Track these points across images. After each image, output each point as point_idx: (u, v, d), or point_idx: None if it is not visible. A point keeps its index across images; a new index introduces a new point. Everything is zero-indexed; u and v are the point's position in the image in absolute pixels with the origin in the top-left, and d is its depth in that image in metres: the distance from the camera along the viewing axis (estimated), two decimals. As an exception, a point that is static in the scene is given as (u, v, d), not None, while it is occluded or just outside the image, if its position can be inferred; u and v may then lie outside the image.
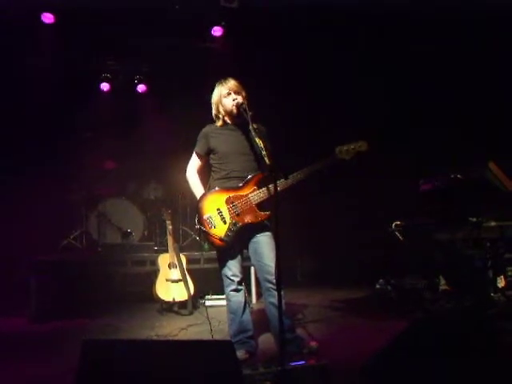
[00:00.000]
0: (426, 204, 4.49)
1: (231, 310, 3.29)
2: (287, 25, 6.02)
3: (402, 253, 4.81)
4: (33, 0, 5.54)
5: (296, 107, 6.47)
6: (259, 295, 5.21)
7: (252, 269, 5.24)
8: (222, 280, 3.33)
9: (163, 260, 5.07)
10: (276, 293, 2.57)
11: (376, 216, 5.50)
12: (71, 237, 6.25)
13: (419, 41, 5.73)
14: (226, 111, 3.28)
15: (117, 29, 6.01)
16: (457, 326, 2.44)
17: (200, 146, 3.36)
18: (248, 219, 3.13)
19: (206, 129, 3.37)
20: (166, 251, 5.14)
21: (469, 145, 5.37)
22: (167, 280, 4.96)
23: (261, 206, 3.14)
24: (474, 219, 3.99)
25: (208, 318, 3.74)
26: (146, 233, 6.53)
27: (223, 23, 6.39)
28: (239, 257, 3.29)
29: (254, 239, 3.20)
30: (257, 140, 3.01)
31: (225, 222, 3.13)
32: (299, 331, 3.62)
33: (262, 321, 3.57)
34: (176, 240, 5.50)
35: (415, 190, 4.55)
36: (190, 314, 4.85)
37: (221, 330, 4.00)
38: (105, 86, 6.99)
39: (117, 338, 3.81)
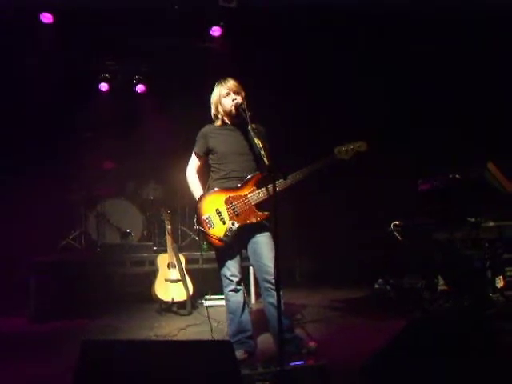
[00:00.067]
0: (425, 204, 4.49)
1: (230, 310, 3.29)
2: (287, 25, 6.01)
3: (401, 253, 4.81)
4: (32, 0, 5.53)
5: (296, 107, 6.46)
6: (258, 295, 5.21)
7: (251, 269, 5.24)
8: (220, 280, 3.33)
9: (162, 260, 5.07)
10: (275, 293, 2.58)
11: (375, 216, 5.50)
12: (70, 237, 6.25)
13: (419, 41, 5.73)
14: (225, 111, 3.29)
15: (116, 29, 6.01)
16: (455, 325, 2.44)
17: (199, 146, 3.36)
18: (247, 219, 3.12)
19: (205, 129, 3.37)
20: (165, 251, 5.14)
21: (469, 145, 5.36)
22: (166, 280, 4.96)
23: (260, 206, 3.14)
24: (473, 219, 4.00)
25: (209, 318, 3.75)
26: (145, 233, 6.53)
27: (222, 23, 6.39)
28: (238, 257, 3.29)
29: (253, 239, 3.20)
30: (256, 140, 3.02)
31: (224, 223, 3.13)
32: (298, 331, 3.63)
33: (260, 321, 3.57)
34: (175, 240, 5.50)
35: (415, 190, 4.56)
36: (189, 314, 4.85)
37: (220, 330, 4.01)
38: (104, 87, 6.98)
39: (116, 339, 3.82)
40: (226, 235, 3.11)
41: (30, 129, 6.23)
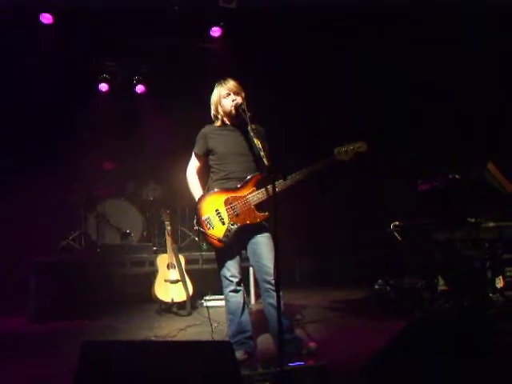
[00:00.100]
0: (424, 204, 4.49)
1: (230, 311, 3.29)
2: (287, 25, 6.01)
3: (401, 253, 4.81)
4: (32, 0, 5.53)
5: (296, 107, 6.46)
6: (258, 296, 5.20)
7: (251, 269, 5.24)
8: (220, 281, 3.33)
9: (162, 261, 5.07)
10: (275, 293, 2.58)
11: (375, 216, 5.50)
12: (70, 238, 6.24)
13: (419, 41, 5.73)
14: (224, 112, 3.28)
15: (116, 29, 6.00)
16: (455, 326, 2.44)
17: (199, 146, 3.36)
18: (247, 220, 3.12)
19: (205, 129, 3.37)
20: (165, 252, 5.14)
21: (469, 145, 5.36)
22: (166, 281, 4.96)
23: (259, 206, 3.14)
24: (473, 220, 4.00)
25: (209, 318, 3.76)
26: (144, 233, 6.53)
27: (222, 24, 6.38)
28: (238, 257, 3.29)
29: (253, 240, 3.20)
30: (255, 141, 3.01)
31: (223, 223, 3.13)
32: (298, 332, 3.63)
33: (260, 321, 3.57)
34: (175, 241, 5.49)
35: (415, 190, 4.55)
36: (189, 314, 4.85)
37: (220, 330, 4.00)
38: (103, 87, 6.98)
39: (115, 339, 3.81)
40: (225, 236, 3.11)
41: (29, 129, 6.23)
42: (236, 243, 3.19)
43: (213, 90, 3.36)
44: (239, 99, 3.22)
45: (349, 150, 3.13)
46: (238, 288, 3.29)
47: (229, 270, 3.25)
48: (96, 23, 5.79)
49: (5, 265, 5.52)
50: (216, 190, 3.20)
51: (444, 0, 5.34)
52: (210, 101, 3.37)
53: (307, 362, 2.67)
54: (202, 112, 3.53)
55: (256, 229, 3.17)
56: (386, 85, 6.20)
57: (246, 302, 3.34)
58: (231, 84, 3.26)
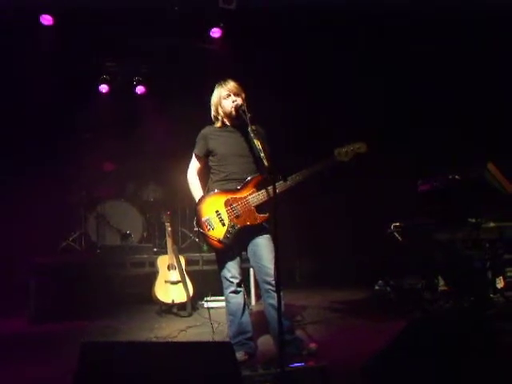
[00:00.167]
0: (425, 205, 4.49)
1: (230, 312, 3.29)
2: (287, 25, 6.01)
3: (401, 253, 4.80)
4: (32, 1, 5.53)
5: (296, 107, 6.46)
6: (258, 297, 5.20)
7: (251, 270, 5.24)
8: (221, 282, 3.33)
9: (162, 262, 5.06)
10: (275, 294, 2.58)
11: (375, 216, 5.49)
12: (70, 239, 6.24)
13: (419, 41, 5.72)
14: (224, 113, 3.28)
15: (116, 29, 6.00)
16: (456, 326, 2.44)
17: (199, 147, 3.36)
18: (247, 221, 3.12)
19: (205, 130, 3.36)
20: (165, 253, 5.13)
21: (469, 145, 5.36)
22: (166, 282, 4.96)
23: (260, 208, 3.14)
24: (473, 220, 3.99)
25: (210, 319, 3.75)
26: (145, 234, 6.53)
27: (222, 25, 6.38)
28: (238, 258, 3.29)
29: (253, 241, 3.20)
30: (255, 142, 3.01)
31: (223, 225, 3.12)
32: (298, 333, 3.62)
33: (261, 322, 3.57)
34: (175, 242, 5.49)
35: (415, 190, 4.55)
36: (189, 315, 4.85)
37: (220, 331, 4.00)
38: (103, 88, 6.97)
39: (116, 340, 3.81)
40: (225, 237, 3.11)
41: (30, 129, 6.23)
42: (236, 244, 3.19)
43: (213, 91, 3.35)
44: (239, 100, 3.21)
45: (349, 151, 3.13)
46: (239, 289, 3.29)
47: (229, 271, 3.25)
48: (96, 23, 5.79)
49: (5, 265, 5.52)
50: (216, 191, 3.20)
51: (444, 0, 5.34)
52: (210, 102, 3.37)
53: (308, 362, 2.67)
54: (202, 113, 3.53)
55: (256, 230, 3.17)
56: (385, 85, 6.20)
57: (246, 303, 3.34)
58: (231, 85, 3.26)
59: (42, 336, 4.30)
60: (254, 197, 3.13)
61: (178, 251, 5.21)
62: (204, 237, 3.16)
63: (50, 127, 6.35)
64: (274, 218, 2.56)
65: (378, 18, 5.71)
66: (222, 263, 3.27)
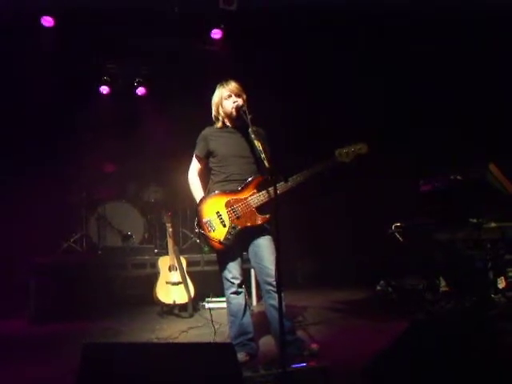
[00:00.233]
0: (426, 204, 4.48)
1: (231, 313, 3.28)
2: (287, 25, 6.01)
3: (403, 254, 4.80)
4: (33, 2, 5.52)
5: (296, 107, 6.46)
6: (259, 297, 5.20)
7: (252, 271, 5.24)
8: (222, 282, 3.33)
9: (163, 263, 5.06)
10: (276, 295, 2.57)
11: (376, 217, 5.49)
12: (71, 240, 6.24)
13: (419, 41, 5.72)
14: (225, 113, 3.28)
15: (117, 29, 6.00)
16: (457, 326, 2.44)
17: (199, 148, 3.35)
18: (248, 222, 3.12)
19: (206, 131, 3.36)
20: (167, 254, 5.13)
21: (469, 145, 5.36)
22: (167, 283, 4.95)
23: (260, 209, 3.13)
24: (475, 220, 3.99)
25: (211, 320, 3.75)
26: (146, 235, 6.52)
27: (222, 26, 6.38)
28: (239, 259, 3.28)
29: (254, 242, 3.20)
30: (256, 143, 3.00)
31: (224, 226, 3.12)
32: (300, 333, 3.62)
33: (262, 323, 3.57)
34: (176, 242, 5.49)
35: (415, 190, 4.55)
36: (191, 316, 4.85)
37: (221, 332, 4.00)
38: (104, 89, 6.98)
39: (117, 341, 3.81)
40: (226, 238, 3.10)
41: (30, 129, 6.23)
42: (237, 245, 3.18)
43: (214, 92, 3.35)
44: (240, 101, 3.21)
45: (350, 152, 3.13)
46: (240, 290, 3.29)
47: (230, 272, 3.24)
48: (96, 23, 5.79)
49: (5, 265, 5.52)
50: (217, 192, 3.20)
51: (444, 0, 5.34)
52: (211, 101, 3.37)
53: (309, 363, 2.67)
54: (202, 113, 3.53)
55: (257, 231, 3.17)
56: (386, 85, 6.20)
57: (247, 304, 3.34)
58: (233, 86, 3.25)
59: (42, 336, 4.30)
60: (254, 198, 3.13)
61: (179, 252, 5.21)
62: (205, 238, 3.15)
63: (50, 127, 6.35)
64: (275, 219, 2.55)
65: (378, 18, 5.71)
66: (222, 264, 3.27)
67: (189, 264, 5.17)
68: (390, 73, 6.11)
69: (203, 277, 5.25)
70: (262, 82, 5.38)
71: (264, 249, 3.16)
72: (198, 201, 3.26)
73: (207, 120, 3.40)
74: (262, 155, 2.91)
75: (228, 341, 3.35)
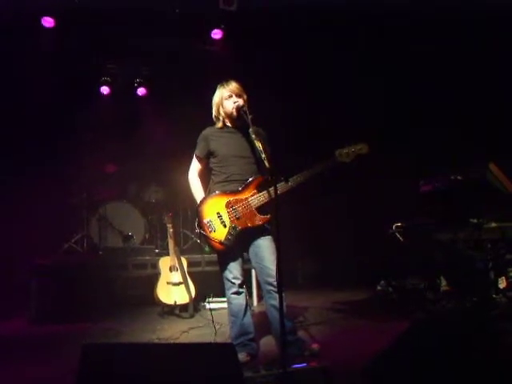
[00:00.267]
0: (426, 204, 4.48)
1: (232, 313, 3.28)
2: (287, 25, 6.01)
3: (403, 254, 4.80)
4: (33, 2, 5.52)
5: (296, 107, 6.46)
6: (260, 298, 5.21)
7: (253, 271, 5.24)
8: (222, 283, 3.33)
9: (164, 263, 5.06)
10: (277, 295, 2.57)
11: (376, 217, 5.49)
12: (72, 240, 6.23)
13: (419, 41, 5.72)
14: (226, 113, 3.28)
15: (117, 29, 6.00)
16: (458, 326, 2.43)
17: (200, 148, 3.35)
18: (248, 223, 3.12)
19: (206, 131, 3.36)
20: (167, 254, 5.13)
21: (469, 145, 5.36)
22: (168, 283, 4.95)
23: (261, 209, 3.13)
24: (475, 220, 3.99)
25: (212, 320, 3.75)
26: (147, 236, 6.52)
27: (222, 26, 6.38)
28: (240, 259, 3.28)
29: (255, 242, 3.20)
30: (256, 143, 3.00)
31: (225, 226, 3.12)
32: (300, 333, 3.61)
33: (263, 323, 3.57)
34: (177, 243, 5.50)
35: (415, 190, 4.55)
36: (192, 316, 4.85)
37: (222, 332, 4.00)
38: (105, 90, 6.98)
39: (118, 342, 3.81)
40: (227, 239, 3.10)
41: (30, 129, 6.22)
42: (238, 245, 3.18)
43: (214, 92, 3.35)
44: (241, 101, 3.21)
45: (350, 152, 3.13)
46: (240, 290, 3.29)
47: (231, 272, 3.24)
48: (96, 23, 5.79)
49: (5, 265, 5.51)
50: (217, 192, 3.20)
51: (444, 0, 5.34)
52: (211, 101, 3.37)
53: (310, 363, 2.67)
54: (203, 113, 3.53)
55: (258, 231, 3.17)
56: (386, 85, 6.19)
57: (248, 304, 3.34)
58: (233, 86, 3.25)
59: (43, 336, 4.30)
60: (255, 198, 3.13)
61: (180, 252, 5.21)
62: (205, 238, 3.16)
63: (50, 127, 6.35)
64: (276, 219, 2.55)
65: (378, 18, 5.71)
66: (223, 264, 3.27)
67: (189, 264, 5.17)
68: (390, 73, 6.11)
69: (204, 277, 5.24)
70: (262, 82, 5.38)
71: (264, 249, 3.16)
72: (198, 201, 3.26)
73: (207, 120, 3.40)
74: (263, 155, 2.91)
75: (229, 341, 3.34)
